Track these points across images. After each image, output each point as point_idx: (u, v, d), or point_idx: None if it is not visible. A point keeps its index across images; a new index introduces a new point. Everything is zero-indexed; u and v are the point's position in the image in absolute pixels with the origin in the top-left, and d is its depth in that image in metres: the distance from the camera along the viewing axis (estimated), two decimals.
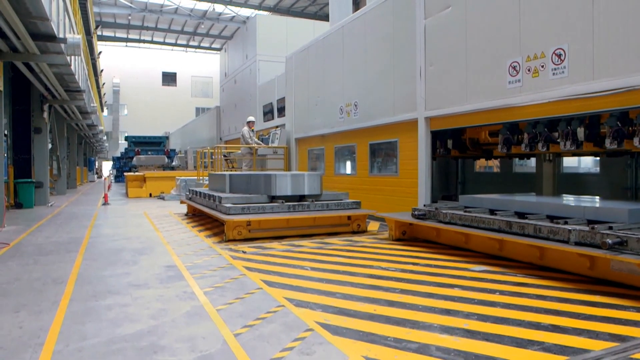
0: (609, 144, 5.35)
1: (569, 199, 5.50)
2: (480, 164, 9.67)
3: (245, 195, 7.74)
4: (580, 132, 5.67)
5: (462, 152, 8.43)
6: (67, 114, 17.85)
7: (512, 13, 5.94)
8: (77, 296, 3.95)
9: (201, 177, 14.59)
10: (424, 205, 6.38)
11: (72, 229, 8.17)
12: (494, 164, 9.78)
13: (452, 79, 6.98)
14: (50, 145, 15.98)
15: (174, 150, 27.91)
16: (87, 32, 21.99)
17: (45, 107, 13.23)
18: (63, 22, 9.27)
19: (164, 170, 23.44)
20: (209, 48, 52.47)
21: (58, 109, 16.10)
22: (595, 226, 4.07)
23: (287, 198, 7.71)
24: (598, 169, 7.51)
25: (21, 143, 12.93)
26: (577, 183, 7.65)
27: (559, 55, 5.34)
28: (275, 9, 39.78)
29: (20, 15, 7.28)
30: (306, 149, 11.92)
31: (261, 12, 40.73)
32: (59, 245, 6.52)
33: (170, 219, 9.76)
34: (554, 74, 5.42)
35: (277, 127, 15.14)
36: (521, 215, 5.18)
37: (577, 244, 4.14)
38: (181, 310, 3.55)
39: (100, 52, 28.25)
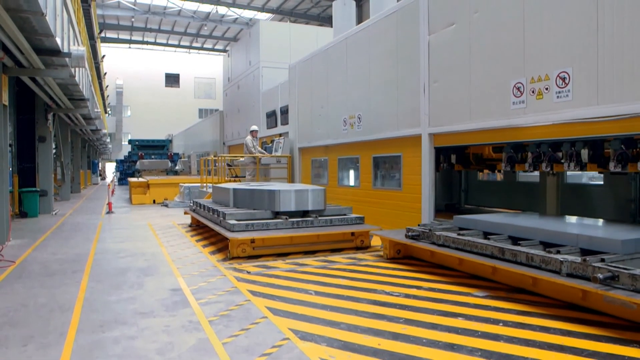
0: (612, 167, 5.36)
1: (565, 223, 5.44)
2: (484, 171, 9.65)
3: (248, 210, 7.77)
4: (584, 153, 5.67)
5: (465, 167, 8.46)
6: (70, 120, 17.92)
7: (516, 33, 5.95)
8: (84, 326, 3.98)
9: (204, 185, 14.64)
10: (419, 225, 6.35)
11: (77, 243, 8.22)
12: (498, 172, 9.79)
13: (456, 97, 6.99)
14: (54, 151, 16.06)
15: (177, 154, 27.97)
16: (91, 37, 22.05)
17: (50, 116, 13.29)
18: (67, 35, 9.31)
19: (167, 174, 23.52)
20: (212, 49, 52.53)
21: (62, 116, 16.17)
22: (587, 258, 4.03)
23: (291, 213, 7.75)
24: (602, 181, 7.51)
25: (26, 152, 12.99)
26: (581, 194, 7.65)
27: (563, 79, 5.35)
28: (278, 11, 39.83)
29: (25, 32, 7.33)
30: (310, 158, 11.94)
31: (264, 14, 40.81)
32: (64, 263, 6.56)
33: (174, 230, 9.80)
34: (558, 97, 5.42)
35: (280, 135, 15.17)
36: (515, 240, 5.15)
37: (569, 275, 4.10)
38: (187, 344, 3.58)
39: (104, 56, 28.32)
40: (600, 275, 3.79)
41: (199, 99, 55.21)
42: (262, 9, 39.43)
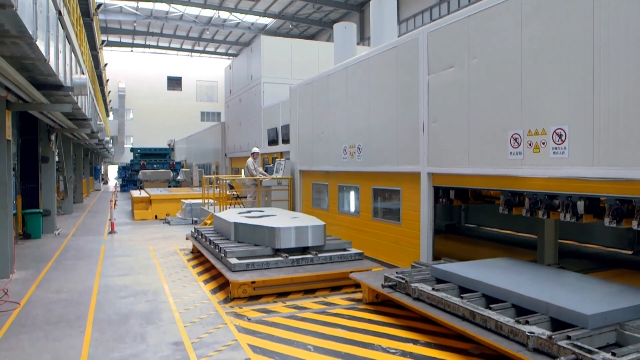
0: (607, 223, 5.44)
1: (541, 284, 5.20)
2: None
3: (249, 248, 7.86)
4: (581, 205, 5.75)
5: (464, 202, 8.53)
6: (73, 135, 18.03)
7: (514, 85, 6.01)
8: None
9: (206, 202, 14.74)
10: (397, 273, 6.24)
11: (80, 277, 8.32)
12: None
13: (454, 139, 7.05)
14: (56, 159, 16.15)
15: (180, 163, 28.08)
16: (93, 48, 22.13)
17: (53, 136, 13.38)
18: (70, 66, 9.39)
19: (169, 185, 23.63)
20: (214, 52, 52.62)
21: (65, 133, 16.27)
22: (553, 336, 3.98)
23: (291, 250, 7.85)
24: None
25: (29, 172, 13.11)
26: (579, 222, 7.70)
27: (560, 135, 5.41)
28: (280, 16, 39.90)
29: (28, 71, 7.42)
30: (310, 182, 12.02)
31: (266, 18, 40.84)
32: (68, 305, 6.66)
33: (175, 259, 9.89)
34: (554, 152, 5.49)
35: (281, 154, 15.25)
36: (489, 299, 5.12)
37: (535, 350, 4.06)
38: None
39: (106, 64, 28.41)
40: (562, 359, 3.75)
41: (201, 102, 55.32)
42: (264, 14, 39.49)
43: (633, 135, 4.69)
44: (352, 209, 10.27)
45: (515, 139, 6.00)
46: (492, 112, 6.36)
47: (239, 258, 7.53)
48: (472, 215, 11.77)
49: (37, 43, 5.71)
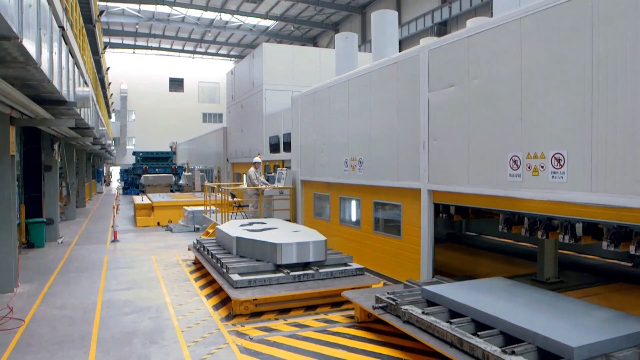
0: (605, 246, 5.49)
1: (533, 309, 5.20)
2: None
3: (251, 263, 7.94)
4: (579, 227, 5.81)
5: (464, 217, 8.61)
6: (76, 141, 18.12)
7: (514, 107, 6.06)
8: None
9: (208, 209, 14.81)
10: (388, 293, 6.23)
11: (84, 291, 8.41)
12: None
13: (454, 158, 7.11)
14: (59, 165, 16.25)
15: (182, 167, 28.16)
16: (95, 53, 22.25)
17: (56, 146, 13.47)
18: (73, 80, 9.46)
19: (171, 189, 23.74)
20: (216, 54, 52.71)
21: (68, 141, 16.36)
22: None
23: (293, 265, 7.92)
24: None
25: (32, 181, 13.18)
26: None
27: (559, 160, 5.46)
28: (281, 18, 39.95)
29: (31, 89, 7.50)
30: (312, 192, 12.08)
31: (268, 20, 40.88)
32: (73, 323, 6.74)
33: (178, 270, 9.96)
34: (553, 177, 5.54)
35: (282, 162, 15.32)
36: (478, 325, 5.12)
37: None
38: None
39: (108, 68, 28.51)
40: None
41: (203, 103, 55.41)
42: (265, 16, 39.57)
43: (629, 164, 4.74)
44: (353, 221, 10.33)
45: (515, 161, 6.05)
46: (492, 133, 6.41)
47: (240, 274, 7.60)
48: (472, 223, 11.82)
49: (42, 67, 5.78)
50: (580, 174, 5.23)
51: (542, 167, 5.68)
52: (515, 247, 10.04)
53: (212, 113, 55.34)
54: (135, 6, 37.46)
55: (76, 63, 10.32)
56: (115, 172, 54.02)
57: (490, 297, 5.65)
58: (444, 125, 7.34)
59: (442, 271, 8.43)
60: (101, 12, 18.99)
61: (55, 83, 7.03)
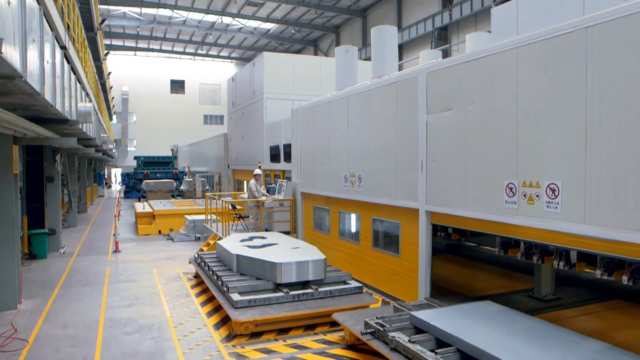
0: (599, 275, 5.59)
1: (521, 344, 5.20)
2: None
3: (251, 282, 8.04)
4: (574, 255, 5.92)
5: (462, 236, 8.70)
6: (78, 150, 18.24)
7: (510, 135, 6.15)
8: None
9: (209, 218, 14.90)
10: (376, 318, 6.24)
11: (86, 307, 8.52)
12: None
13: (452, 181, 7.20)
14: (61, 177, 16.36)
15: (183, 172, 28.28)
16: (97, 59, 22.35)
17: (58, 157, 13.59)
18: (75, 98, 9.56)
19: (172, 195, 23.87)
20: (217, 56, 52.81)
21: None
22: None
23: (292, 284, 8.02)
24: None
25: (34, 192, 13.29)
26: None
27: (553, 190, 5.56)
28: (282, 21, 40.01)
29: (35, 111, 7.60)
30: (312, 204, 12.18)
31: (268, 24, 40.95)
32: (76, 344, 6.85)
33: (179, 285, 10.06)
34: (547, 206, 5.63)
35: (283, 172, 15.42)
36: (463, 355, 5.17)
37: None
38: None
39: (109, 73, 28.60)
40: None
41: (204, 105, 55.52)
42: (266, 19, 39.61)
43: (622, 198, 4.83)
44: (353, 236, 10.43)
45: (511, 189, 6.14)
46: (489, 159, 6.50)
47: (240, 293, 7.71)
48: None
49: (46, 97, 5.88)
50: (574, 206, 5.32)
51: (538, 196, 5.77)
52: (514, 259, 10.11)
53: (213, 115, 55.45)
54: (137, 9, 37.54)
55: (78, 79, 10.43)
56: (116, 173, 54.13)
57: (478, 324, 5.70)
58: (441, 147, 7.43)
59: (440, 286, 8.54)
60: (103, 20, 19.08)
61: (58, 106, 7.14)
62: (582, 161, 5.22)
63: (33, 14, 5.26)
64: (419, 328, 5.97)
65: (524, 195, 5.95)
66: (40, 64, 5.66)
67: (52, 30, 6.87)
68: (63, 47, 8.38)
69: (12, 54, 4.14)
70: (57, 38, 7.74)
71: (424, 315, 6.04)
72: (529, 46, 5.90)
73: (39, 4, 5.75)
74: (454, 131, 7.14)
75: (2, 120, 6.04)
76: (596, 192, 5.09)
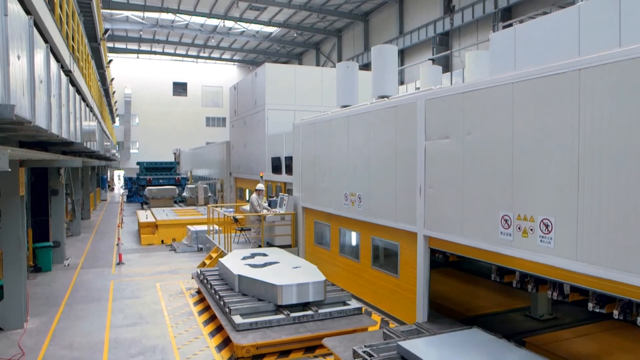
0: (591, 308, 5.74)
1: None
2: None
3: (253, 304, 8.20)
4: (567, 287, 6.07)
5: (460, 258, 8.83)
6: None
7: (505, 167, 6.28)
8: None
9: (211, 229, 15.08)
10: (365, 346, 6.35)
11: (91, 327, 8.69)
12: None
13: (449, 208, 7.34)
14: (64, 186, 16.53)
15: (186, 178, 28.46)
16: (100, 67, 22.51)
17: (62, 170, 13.76)
18: (80, 119, 9.73)
19: (175, 203, 24.06)
20: (220, 59, 52.95)
21: None
22: None
23: (293, 306, 8.19)
24: None
25: (39, 205, 13.48)
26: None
27: (547, 226, 5.69)
28: (284, 25, 40.11)
29: (41, 137, 7.77)
30: (313, 219, 12.33)
31: (270, 27, 41.03)
32: None
33: (182, 302, 10.24)
34: (541, 241, 5.77)
35: (284, 184, 15.58)
36: None
37: None
38: None
39: (112, 79, 28.78)
40: None
41: (207, 107, 55.70)
42: (269, 23, 39.75)
43: (613, 238, 4.96)
44: (353, 253, 10.57)
45: (506, 220, 6.28)
46: (485, 190, 6.64)
47: (242, 315, 7.88)
48: None
49: (53, 131, 6.04)
50: (567, 242, 5.46)
51: (532, 229, 5.91)
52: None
53: (216, 117, 55.65)
54: (140, 13, 37.73)
55: (83, 98, 10.59)
56: (119, 175, 54.34)
57: (463, 357, 5.80)
58: (439, 174, 7.57)
59: (438, 303, 8.69)
60: (106, 31, 19.24)
61: (64, 134, 7.30)
62: (574, 199, 5.36)
63: (42, 61, 5.41)
64: (404, 358, 6.09)
65: (519, 228, 6.09)
66: (47, 101, 5.82)
67: (58, 61, 7.03)
68: (68, 72, 8.55)
69: (23, 104, 4.30)
70: (62, 64, 7.91)
71: (410, 345, 6.13)
72: (524, 82, 6.03)
73: (46, 42, 5.91)
74: (451, 160, 7.28)
75: (10, 155, 6.20)
76: (587, 230, 5.22)
